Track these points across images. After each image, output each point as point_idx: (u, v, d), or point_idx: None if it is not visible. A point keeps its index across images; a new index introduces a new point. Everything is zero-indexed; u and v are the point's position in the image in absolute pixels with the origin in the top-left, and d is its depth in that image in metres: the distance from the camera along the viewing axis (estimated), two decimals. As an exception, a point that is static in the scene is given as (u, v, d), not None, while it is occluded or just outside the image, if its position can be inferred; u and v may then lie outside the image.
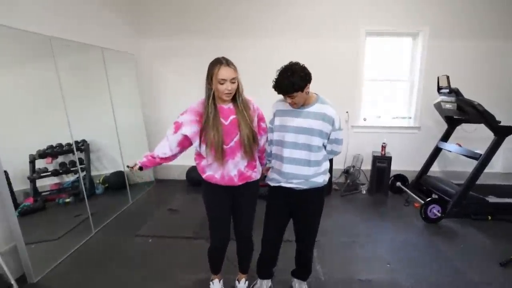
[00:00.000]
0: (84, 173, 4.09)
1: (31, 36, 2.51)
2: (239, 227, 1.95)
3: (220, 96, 1.65)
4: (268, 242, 2.02)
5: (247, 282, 2.12)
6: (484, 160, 3.13)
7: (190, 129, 1.69)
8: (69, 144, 3.92)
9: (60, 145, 4.04)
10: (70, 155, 4.07)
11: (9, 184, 3.31)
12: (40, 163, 3.97)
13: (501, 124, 3.08)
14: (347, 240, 2.86)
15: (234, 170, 1.75)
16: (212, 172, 1.76)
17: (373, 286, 2.23)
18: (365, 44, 4.20)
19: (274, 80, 1.66)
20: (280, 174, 1.81)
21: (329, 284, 2.24)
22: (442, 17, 4.03)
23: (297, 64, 1.64)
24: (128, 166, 1.78)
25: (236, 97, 1.69)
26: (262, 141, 1.88)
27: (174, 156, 1.79)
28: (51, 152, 4.00)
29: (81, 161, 4.11)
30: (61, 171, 4.13)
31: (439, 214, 3.18)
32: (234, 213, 1.91)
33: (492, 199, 3.30)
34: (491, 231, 3.02)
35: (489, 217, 3.24)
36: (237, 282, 2.12)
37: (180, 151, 1.80)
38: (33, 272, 2.30)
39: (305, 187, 1.79)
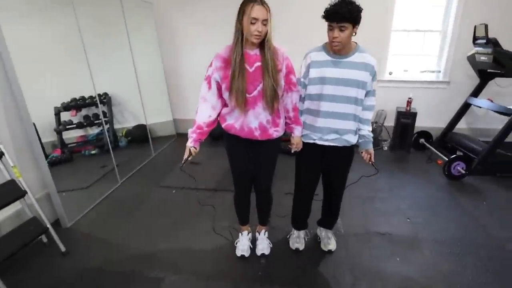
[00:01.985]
0: (108, 125, 4.18)
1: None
2: (258, 180, 1.97)
3: (249, 38, 1.55)
4: (300, 198, 2.07)
5: (267, 233, 2.19)
6: (518, 116, 2.97)
7: (218, 75, 1.64)
8: (91, 97, 3.97)
9: (83, 98, 4.10)
10: (93, 108, 4.15)
11: (38, 136, 3.44)
12: (64, 116, 4.08)
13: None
14: (367, 194, 2.87)
15: (255, 121, 1.70)
16: (233, 121, 1.72)
17: (393, 239, 2.27)
18: (397, -11, 3.86)
19: (329, 6, 1.54)
20: (315, 129, 1.77)
21: (348, 236, 2.30)
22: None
23: None
24: (182, 165, 1.69)
25: (264, 43, 1.58)
26: (293, 97, 1.76)
27: (218, 115, 1.75)
28: (75, 104, 4.08)
29: (104, 114, 4.18)
30: (85, 124, 4.25)
31: (463, 172, 3.11)
32: (254, 166, 1.90)
33: (520, 157, 3.19)
34: (517, 189, 2.96)
35: (516, 176, 3.16)
36: (257, 233, 2.20)
37: (222, 105, 1.73)
38: (66, 217, 2.46)
39: (339, 145, 1.78)
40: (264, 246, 2.11)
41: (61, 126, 4.07)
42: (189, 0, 4.17)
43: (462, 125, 4.14)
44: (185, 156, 1.68)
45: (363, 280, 1.88)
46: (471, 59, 3.48)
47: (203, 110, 1.70)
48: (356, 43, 1.68)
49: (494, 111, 3.29)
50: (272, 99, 1.63)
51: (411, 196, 2.88)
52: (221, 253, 2.15)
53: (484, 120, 4.19)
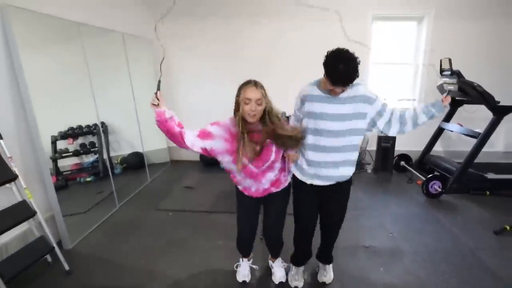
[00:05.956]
0: (105, 153, 4.33)
1: (60, 21, 2.70)
2: (267, 229, 2.00)
3: (245, 117, 1.65)
4: (301, 237, 2.05)
5: (280, 259, 2.22)
6: (483, 138, 3.29)
7: (219, 144, 1.69)
8: (88, 126, 4.15)
9: (80, 127, 4.27)
10: (89, 136, 4.31)
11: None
12: (61, 144, 4.22)
13: (500, 104, 3.23)
14: (353, 213, 3.07)
15: (267, 184, 1.80)
16: (248, 185, 1.82)
17: (377, 252, 2.46)
18: (372, 28, 4.31)
19: (333, 69, 1.53)
20: (313, 164, 1.76)
21: (336, 251, 2.41)
22: (446, 0, 4.12)
23: (348, 51, 1.57)
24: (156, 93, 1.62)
25: (264, 119, 1.68)
26: None
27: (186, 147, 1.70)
28: (72, 133, 4.24)
29: (99, 142, 4.34)
30: (81, 152, 4.39)
31: (440, 190, 3.38)
32: (264, 216, 1.98)
33: (490, 175, 3.49)
34: (488, 205, 3.23)
35: (487, 193, 3.44)
36: (271, 261, 2.24)
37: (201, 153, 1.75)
38: (68, 239, 2.56)
39: (334, 182, 1.79)
40: (281, 274, 2.15)
41: (57, 154, 4.19)
42: (186, 35, 4.50)
43: (438, 148, 4.48)
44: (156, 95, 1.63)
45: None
46: (440, 88, 3.85)
47: (188, 133, 1.68)
48: None
49: (463, 134, 3.63)
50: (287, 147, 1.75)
51: (393, 213, 3.10)
52: (220, 273, 2.24)
53: (459, 142, 4.53)
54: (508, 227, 2.68)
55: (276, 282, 2.13)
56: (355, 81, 1.64)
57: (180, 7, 4.39)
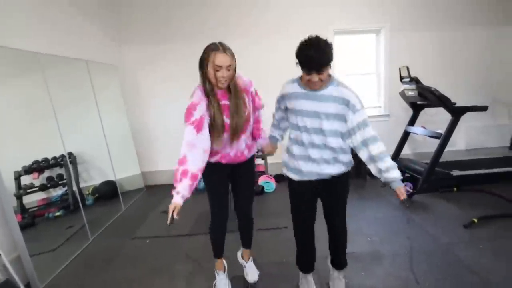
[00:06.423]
0: (75, 185, 4.14)
1: (18, 53, 2.61)
2: (239, 203, 2.02)
3: (216, 84, 1.64)
4: (303, 238, 1.97)
5: (252, 258, 2.23)
6: (445, 138, 3.49)
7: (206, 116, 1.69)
8: (55, 158, 3.97)
9: (46, 160, 4.08)
10: (57, 169, 4.12)
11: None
12: (25, 179, 3.99)
13: (456, 105, 3.45)
14: (331, 221, 3.11)
15: (243, 144, 1.85)
16: (228, 151, 1.82)
17: (356, 257, 2.49)
18: (334, 42, 4.50)
19: (303, 54, 1.51)
20: (303, 160, 1.74)
21: (318, 259, 2.44)
22: (400, 14, 4.45)
23: (318, 36, 1.54)
24: (170, 223, 1.56)
25: (230, 84, 1.69)
26: (258, 114, 1.97)
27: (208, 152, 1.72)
28: (37, 167, 4.03)
29: (68, 174, 4.15)
30: (48, 186, 4.17)
31: (411, 190, 3.51)
32: (233, 191, 2.00)
33: (456, 172, 3.68)
34: (457, 201, 3.40)
35: (455, 189, 3.61)
36: (244, 261, 2.23)
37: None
38: (37, 279, 2.40)
39: (320, 178, 1.74)
40: (254, 273, 2.18)
41: (21, 191, 3.95)
42: (152, 60, 4.51)
43: (407, 151, 4.68)
44: (170, 219, 1.56)
45: (334, 296, 2.04)
46: (402, 95, 4.07)
47: (194, 157, 1.62)
48: (330, 75, 1.65)
49: (428, 136, 3.83)
50: (239, 131, 1.77)
51: (369, 217, 3.18)
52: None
53: (424, 144, 4.76)
54: (475, 220, 2.82)
55: (251, 281, 2.14)
56: (345, 86, 1.66)
57: (143, 32, 4.42)
